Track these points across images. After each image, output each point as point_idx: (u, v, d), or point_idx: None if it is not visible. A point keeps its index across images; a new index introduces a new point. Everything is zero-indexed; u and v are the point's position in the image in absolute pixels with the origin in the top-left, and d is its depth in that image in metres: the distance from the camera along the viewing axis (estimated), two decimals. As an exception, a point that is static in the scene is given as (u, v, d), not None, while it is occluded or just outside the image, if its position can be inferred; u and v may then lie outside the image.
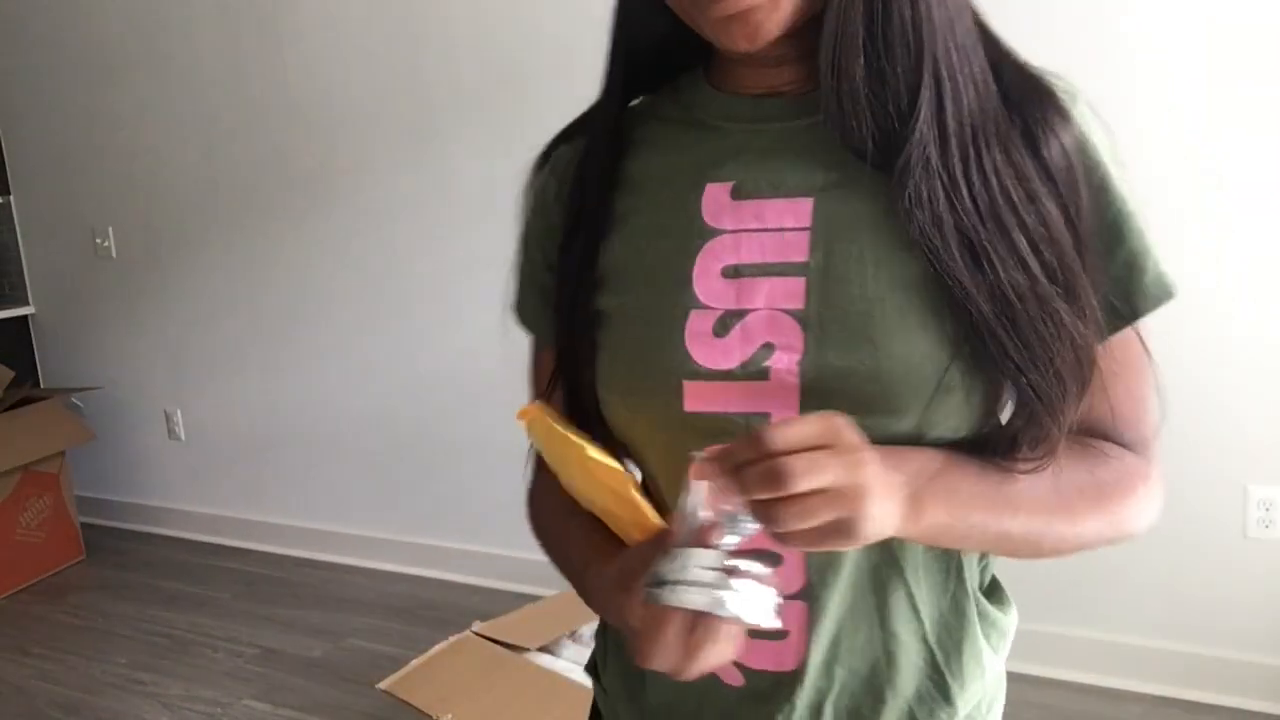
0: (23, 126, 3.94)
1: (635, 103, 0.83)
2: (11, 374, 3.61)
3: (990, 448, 0.71)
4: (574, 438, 0.72)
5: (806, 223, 0.71)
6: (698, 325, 0.72)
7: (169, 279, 3.74)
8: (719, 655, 0.62)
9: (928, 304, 0.69)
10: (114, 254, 3.83)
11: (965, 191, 0.67)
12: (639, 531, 0.72)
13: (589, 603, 0.81)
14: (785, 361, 0.70)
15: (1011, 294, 0.67)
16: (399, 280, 3.27)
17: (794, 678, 0.76)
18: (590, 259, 0.79)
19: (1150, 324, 0.80)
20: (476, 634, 2.01)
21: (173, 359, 3.80)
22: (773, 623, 0.62)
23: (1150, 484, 0.78)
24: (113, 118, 3.71)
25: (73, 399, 3.93)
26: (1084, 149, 0.71)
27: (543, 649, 1.95)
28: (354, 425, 3.45)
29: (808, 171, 0.73)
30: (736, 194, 0.74)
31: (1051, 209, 0.68)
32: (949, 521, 0.68)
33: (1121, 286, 0.75)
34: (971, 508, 0.70)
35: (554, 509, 0.87)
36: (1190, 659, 2.38)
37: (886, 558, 0.75)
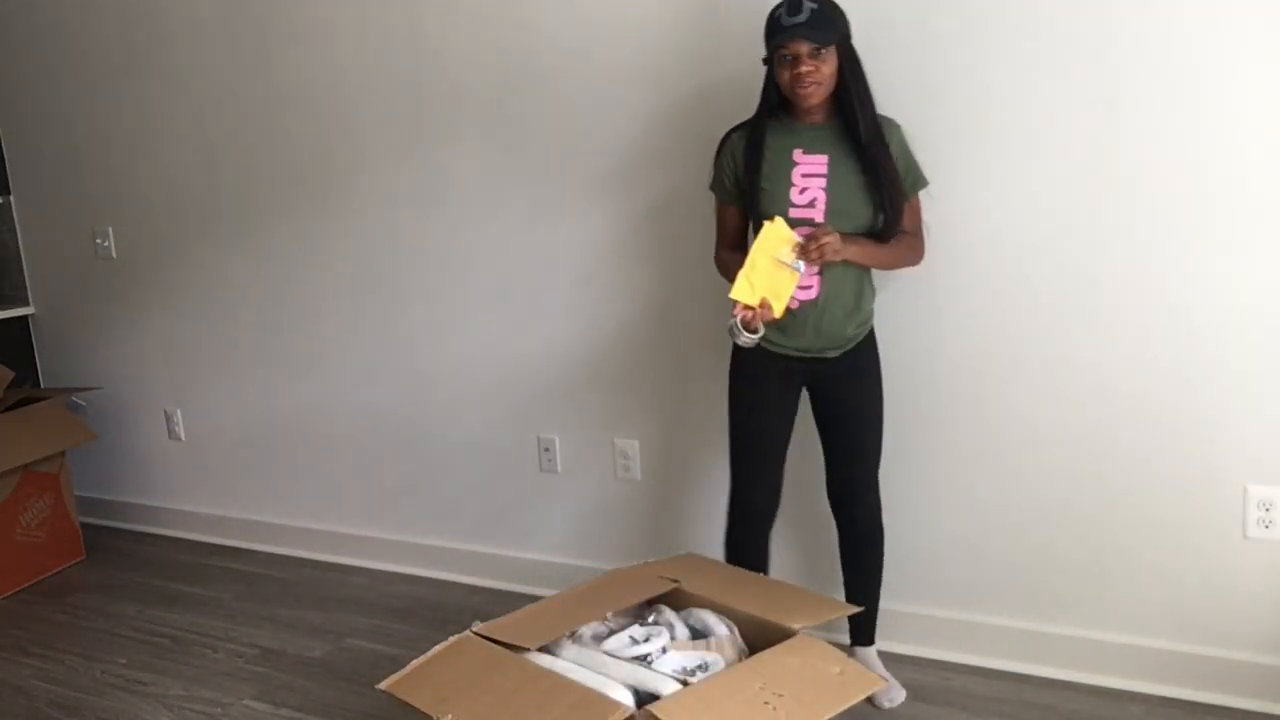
0: (23, 127, 3.94)
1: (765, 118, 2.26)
2: (11, 374, 3.61)
3: (875, 234, 2.26)
4: (784, 225, 2.17)
5: (824, 164, 2.24)
6: (794, 193, 2.24)
7: (169, 279, 3.74)
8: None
9: (866, 191, 2.23)
10: (114, 254, 3.83)
11: (880, 149, 2.24)
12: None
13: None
14: (820, 205, 2.23)
15: (888, 183, 2.23)
16: (399, 280, 3.27)
17: (817, 301, 2.26)
18: (758, 170, 2.27)
19: (918, 198, 2.35)
20: (476, 634, 2.01)
21: (173, 359, 3.80)
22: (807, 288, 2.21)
23: (920, 244, 2.38)
24: (113, 118, 3.71)
25: (73, 399, 3.94)
26: (893, 139, 2.27)
27: (543, 649, 1.95)
28: (354, 425, 3.45)
29: (825, 145, 2.25)
30: (804, 151, 2.25)
31: (890, 155, 2.24)
32: (863, 255, 2.24)
33: (908, 181, 2.30)
34: (870, 252, 2.26)
35: (730, 258, 2.34)
36: (1190, 659, 2.38)
37: (847, 264, 2.25)
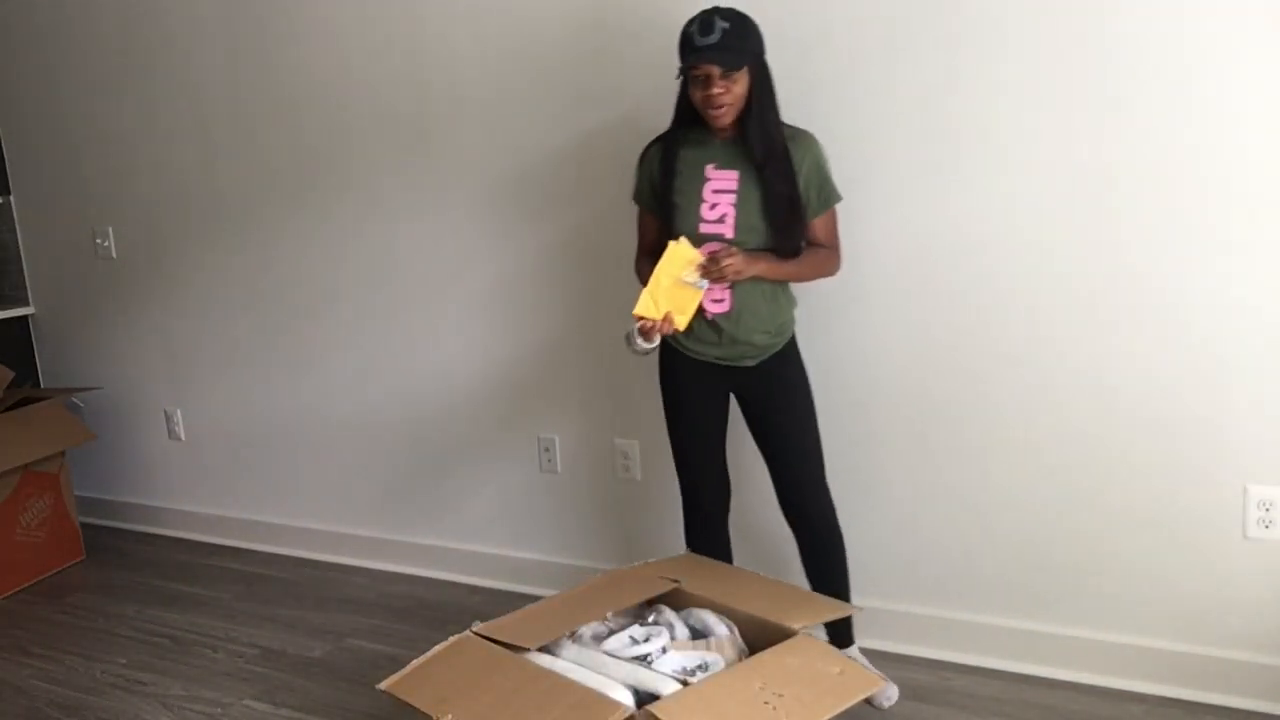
0: (23, 127, 3.94)
1: (680, 130, 2.33)
2: (11, 374, 3.61)
3: (778, 251, 2.27)
4: (688, 246, 2.21)
5: (735, 180, 2.26)
6: (704, 209, 2.27)
7: (169, 279, 3.74)
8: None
9: (766, 209, 2.24)
10: (114, 254, 3.83)
11: (775, 168, 2.23)
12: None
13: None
14: (729, 221, 2.26)
15: (783, 201, 2.24)
16: (399, 280, 3.27)
17: (730, 313, 2.29)
18: (671, 185, 2.31)
19: (833, 211, 2.34)
20: (476, 634, 2.01)
21: (173, 359, 3.80)
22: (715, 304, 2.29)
23: (835, 256, 2.39)
24: (113, 118, 3.71)
25: (73, 399, 3.94)
26: (807, 155, 2.27)
27: (543, 649, 1.95)
28: (354, 425, 3.45)
29: (737, 160, 2.26)
30: (716, 167, 2.28)
31: (795, 173, 2.25)
32: (770, 271, 2.26)
33: (819, 198, 2.30)
34: (777, 268, 2.28)
35: (647, 266, 2.28)
36: (1190, 659, 2.38)
37: (757, 280, 2.27)
